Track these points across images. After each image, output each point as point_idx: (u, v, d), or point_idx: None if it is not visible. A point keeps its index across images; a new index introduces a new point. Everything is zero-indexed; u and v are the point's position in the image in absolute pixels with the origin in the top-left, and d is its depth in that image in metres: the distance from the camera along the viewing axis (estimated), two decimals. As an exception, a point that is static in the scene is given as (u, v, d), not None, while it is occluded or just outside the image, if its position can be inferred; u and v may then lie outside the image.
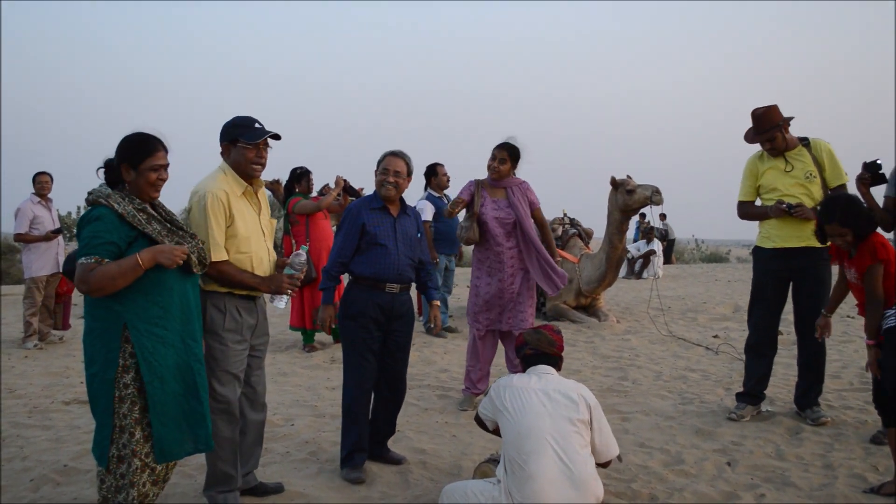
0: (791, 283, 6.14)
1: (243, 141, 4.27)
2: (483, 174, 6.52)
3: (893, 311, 4.64)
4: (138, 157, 3.71)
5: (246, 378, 4.56)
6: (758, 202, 6.32)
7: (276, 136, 4.40)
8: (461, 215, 6.68)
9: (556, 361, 4.45)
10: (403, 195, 5.35)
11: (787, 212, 5.89)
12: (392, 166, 5.22)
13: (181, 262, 3.70)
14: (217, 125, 4.47)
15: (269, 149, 4.41)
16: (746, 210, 6.37)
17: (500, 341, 6.73)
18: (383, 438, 5.34)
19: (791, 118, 6.07)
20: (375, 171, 5.28)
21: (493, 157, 6.45)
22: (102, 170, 3.82)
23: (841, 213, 4.81)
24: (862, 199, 5.12)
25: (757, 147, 6.25)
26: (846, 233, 4.76)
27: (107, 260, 3.53)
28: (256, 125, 4.33)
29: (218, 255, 4.14)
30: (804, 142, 6.12)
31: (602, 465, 4.26)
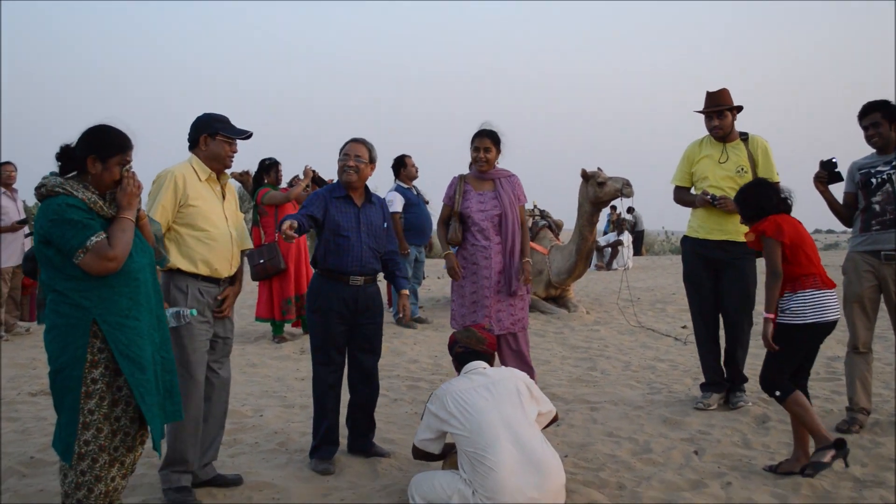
0: (716, 275, 6.25)
1: (223, 134, 4.51)
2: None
3: (787, 302, 4.73)
4: (109, 152, 3.65)
5: (213, 366, 4.63)
6: (692, 190, 6.42)
7: (249, 136, 4.63)
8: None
9: (487, 358, 4.54)
10: (369, 185, 5.30)
11: (711, 203, 6.01)
12: (353, 151, 5.14)
13: (140, 185, 3.72)
14: (178, 118, 4.58)
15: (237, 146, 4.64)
16: (680, 196, 6.48)
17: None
18: (363, 433, 5.27)
19: (741, 107, 6.16)
20: (338, 160, 5.21)
21: (477, 149, 6.00)
22: (59, 156, 3.73)
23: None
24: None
25: (698, 135, 6.39)
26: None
27: (103, 234, 3.52)
28: (231, 122, 4.59)
29: (154, 213, 4.23)
30: (743, 136, 6.23)
31: (547, 426, 4.49)
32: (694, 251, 6.32)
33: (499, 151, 6.08)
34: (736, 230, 5.99)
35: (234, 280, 4.70)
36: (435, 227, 6.38)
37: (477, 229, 5.99)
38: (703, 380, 6.39)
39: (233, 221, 4.63)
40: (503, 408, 4.13)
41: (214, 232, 4.46)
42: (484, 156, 5.99)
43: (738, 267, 6.07)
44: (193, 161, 4.53)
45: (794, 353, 4.76)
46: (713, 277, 6.24)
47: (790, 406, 4.70)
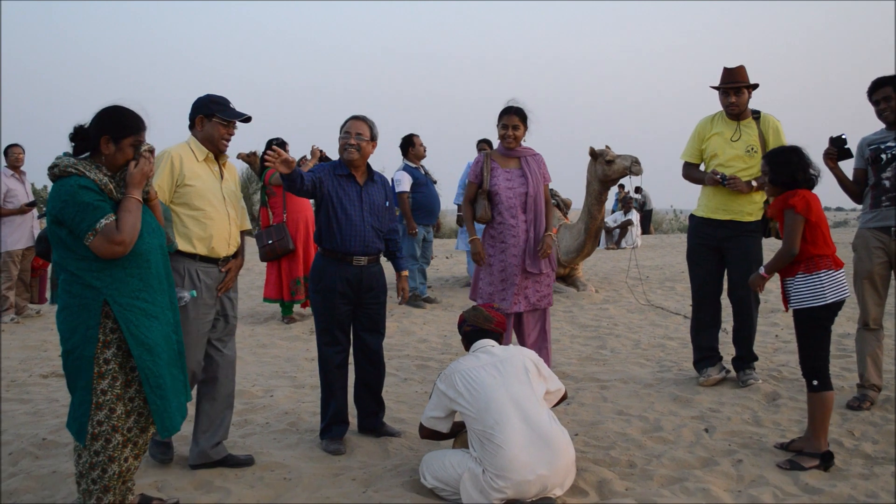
0: (721, 254, 6.22)
1: (220, 116, 4.49)
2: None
3: (804, 284, 4.67)
4: (124, 133, 3.65)
5: (217, 344, 4.65)
6: (702, 167, 6.39)
7: (248, 119, 4.61)
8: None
9: (496, 337, 4.54)
10: (376, 163, 5.26)
11: (721, 182, 5.97)
12: (354, 129, 5.10)
13: (152, 164, 3.74)
14: (184, 101, 4.61)
15: (235, 129, 4.62)
16: (689, 172, 6.44)
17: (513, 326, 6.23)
18: (373, 413, 5.27)
19: (757, 85, 6.10)
20: (339, 137, 5.17)
21: (505, 126, 6.02)
22: (72, 136, 3.72)
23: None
24: (831, 171, 5.11)
25: (707, 111, 6.35)
26: (766, 170, 4.81)
27: (113, 216, 3.52)
28: (231, 105, 4.57)
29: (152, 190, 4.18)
30: (755, 115, 6.17)
31: (557, 404, 4.51)
32: (697, 230, 6.31)
33: (526, 128, 6.10)
34: (741, 210, 5.98)
35: (237, 255, 4.72)
36: (443, 206, 6.34)
37: (504, 207, 6.00)
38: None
39: (231, 202, 4.64)
40: (511, 385, 4.14)
41: (211, 211, 4.47)
42: (512, 133, 6.02)
43: (743, 246, 6.04)
44: (191, 141, 4.56)
45: (825, 333, 4.69)
46: (716, 257, 6.22)
47: (817, 400, 4.63)
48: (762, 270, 4.77)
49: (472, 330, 4.54)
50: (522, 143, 6.14)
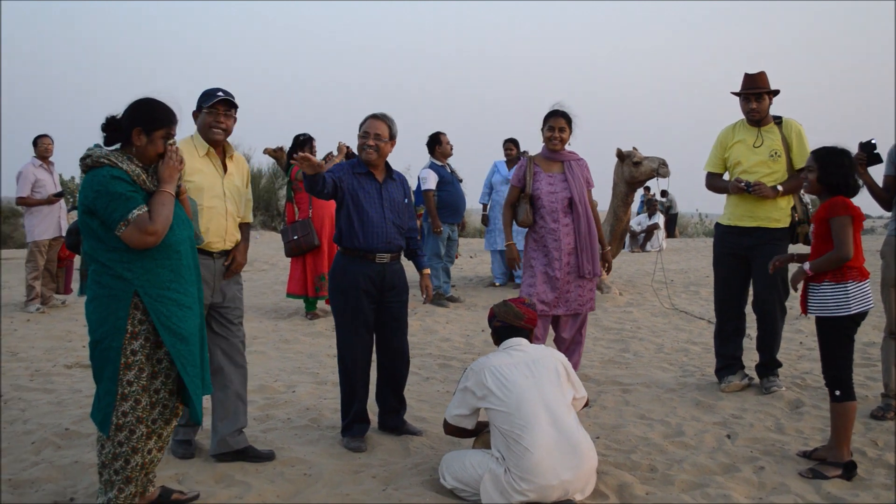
0: (747, 261, 6.15)
1: (205, 106, 4.59)
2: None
3: (820, 291, 4.61)
4: (156, 125, 3.68)
5: (228, 335, 4.73)
6: (726, 176, 6.32)
7: (226, 102, 4.61)
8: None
9: (525, 334, 4.50)
10: (397, 161, 5.24)
11: (746, 189, 5.89)
12: (372, 129, 5.08)
13: (182, 159, 3.78)
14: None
15: (231, 117, 4.66)
16: (713, 182, 6.39)
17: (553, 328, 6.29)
18: (395, 411, 5.27)
19: (778, 91, 6.04)
20: (358, 135, 5.16)
21: (552, 128, 6.02)
22: (105, 127, 3.74)
23: (822, 151, 4.77)
24: (860, 179, 5.02)
25: (732, 115, 6.29)
26: (814, 168, 4.72)
27: (145, 207, 3.56)
28: (219, 93, 4.61)
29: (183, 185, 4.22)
30: (777, 120, 6.11)
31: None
32: (723, 238, 6.25)
33: (571, 132, 6.10)
34: (768, 217, 5.93)
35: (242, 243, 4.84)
36: (468, 205, 6.33)
37: (546, 211, 5.99)
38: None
39: (232, 197, 4.70)
40: (543, 387, 4.12)
41: (208, 206, 4.55)
42: (559, 135, 6.03)
43: (770, 254, 5.95)
44: (195, 136, 4.67)
45: (848, 342, 4.63)
46: (742, 266, 6.16)
47: (840, 410, 4.57)
48: (807, 266, 4.69)
49: (502, 326, 4.50)
50: (567, 146, 6.14)
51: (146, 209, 3.54)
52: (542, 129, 6.09)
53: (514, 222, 6.15)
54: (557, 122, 6.01)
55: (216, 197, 4.59)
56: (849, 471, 4.47)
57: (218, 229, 4.60)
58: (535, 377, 4.15)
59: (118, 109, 3.72)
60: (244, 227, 4.91)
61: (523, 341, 4.44)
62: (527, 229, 6.14)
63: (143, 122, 3.66)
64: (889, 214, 5.69)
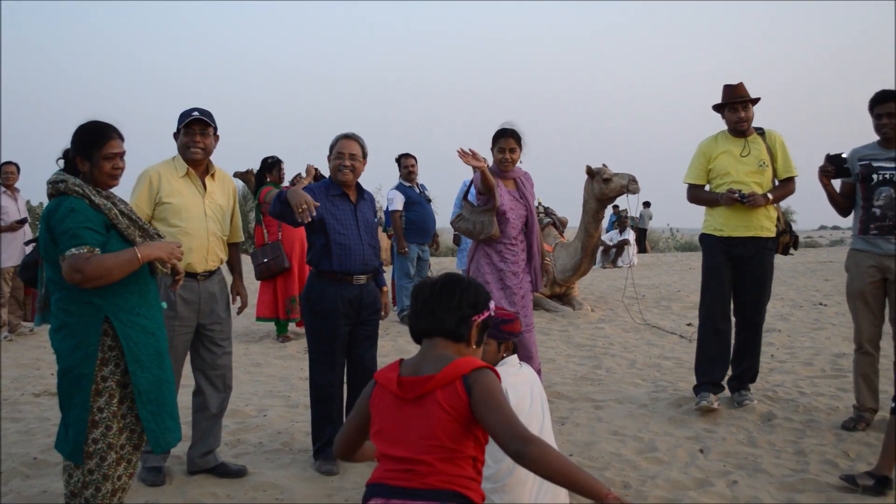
0: (735, 271, 6.10)
1: (180, 127, 4.67)
2: (460, 165, 5.97)
3: None
4: (92, 147, 3.62)
5: (210, 359, 4.78)
6: (706, 187, 6.27)
7: (200, 121, 4.64)
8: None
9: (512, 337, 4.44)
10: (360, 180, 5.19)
11: (740, 200, 5.86)
12: (346, 149, 5.06)
13: (179, 257, 3.78)
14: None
15: (208, 136, 4.71)
16: (697, 195, 6.27)
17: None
18: None
19: (758, 99, 6.06)
20: (328, 157, 5.13)
21: (502, 150, 5.93)
22: (62, 160, 3.73)
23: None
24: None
25: (711, 130, 6.27)
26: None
27: (97, 250, 3.46)
28: (194, 113, 4.64)
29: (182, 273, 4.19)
30: (759, 131, 6.12)
31: None
32: (715, 248, 6.11)
33: (521, 150, 6.03)
34: (761, 226, 5.90)
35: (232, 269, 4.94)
36: (438, 224, 6.28)
37: (509, 226, 5.92)
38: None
39: (214, 216, 4.71)
40: (546, 414, 4.06)
41: (188, 227, 4.58)
42: (510, 156, 5.95)
43: (759, 261, 5.96)
44: (175, 158, 4.76)
45: None
46: (731, 278, 6.10)
47: None
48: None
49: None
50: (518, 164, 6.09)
51: (87, 249, 3.44)
52: (492, 150, 6.02)
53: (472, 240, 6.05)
54: (507, 143, 5.93)
55: (196, 218, 4.62)
56: (881, 484, 4.40)
57: (199, 250, 4.62)
58: (540, 402, 4.06)
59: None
60: (233, 248, 4.94)
61: (516, 359, 4.35)
62: (471, 245, 6.07)
63: (79, 148, 3.64)
64: (846, 224, 5.72)
